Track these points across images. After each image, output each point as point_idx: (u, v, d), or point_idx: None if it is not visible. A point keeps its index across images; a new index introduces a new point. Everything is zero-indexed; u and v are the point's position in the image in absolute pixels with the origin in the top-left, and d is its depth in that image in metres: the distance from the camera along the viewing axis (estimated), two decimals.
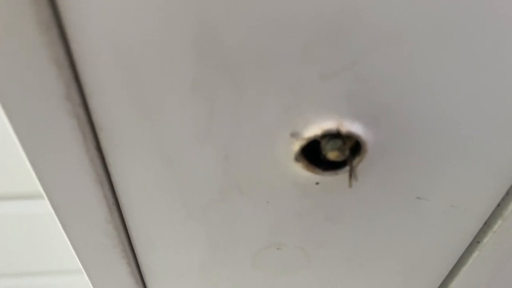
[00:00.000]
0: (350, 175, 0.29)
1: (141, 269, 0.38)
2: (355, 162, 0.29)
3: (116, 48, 0.23)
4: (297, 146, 0.28)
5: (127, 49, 0.23)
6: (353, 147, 0.28)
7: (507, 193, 0.34)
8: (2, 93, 0.23)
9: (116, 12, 0.21)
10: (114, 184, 0.30)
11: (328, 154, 0.27)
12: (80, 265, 0.36)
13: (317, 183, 0.31)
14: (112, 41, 0.22)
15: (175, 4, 0.21)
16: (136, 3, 0.21)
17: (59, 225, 0.32)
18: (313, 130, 0.27)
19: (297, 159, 0.29)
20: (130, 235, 0.34)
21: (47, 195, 0.29)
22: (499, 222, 0.36)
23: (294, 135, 0.27)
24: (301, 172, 0.30)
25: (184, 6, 0.21)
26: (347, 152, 0.27)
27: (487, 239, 0.37)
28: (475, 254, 0.39)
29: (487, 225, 0.37)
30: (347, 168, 0.29)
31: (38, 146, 0.26)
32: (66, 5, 0.21)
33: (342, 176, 0.30)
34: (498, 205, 0.35)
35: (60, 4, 0.21)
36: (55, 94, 0.24)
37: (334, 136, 0.27)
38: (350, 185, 0.30)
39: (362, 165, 0.30)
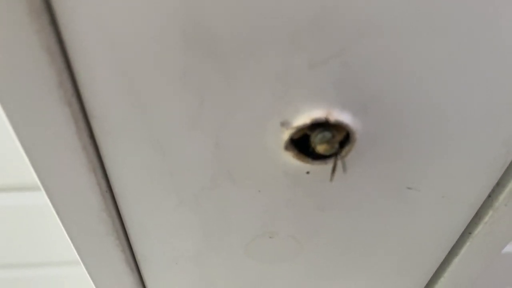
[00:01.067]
0: (334, 169, 0.30)
1: (136, 257, 0.39)
2: (344, 151, 0.29)
3: (107, 37, 0.23)
4: (287, 135, 0.28)
5: (118, 38, 0.23)
6: (342, 139, 0.28)
7: (498, 184, 0.34)
8: None
9: (107, 0, 0.22)
10: (107, 172, 0.30)
11: (317, 147, 0.28)
12: (77, 255, 0.37)
13: (307, 172, 0.31)
14: (103, 29, 0.23)
15: None
16: None
17: (55, 213, 0.33)
18: (303, 119, 0.27)
19: (287, 148, 0.29)
20: (124, 223, 0.35)
21: (42, 183, 0.30)
22: (490, 213, 0.36)
23: (284, 124, 0.28)
24: (292, 161, 0.30)
25: None
26: (336, 145, 0.28)
27: (478, 230, 0.38)
28: (467, 245, 0.39)
29: (478, 216, 0.37)
30: (337, 157, 0.29)
31: (31, 134, 0.27)
32: None
33: (332, 165, 0.31)
34: (489, 196, 0.35)
35: None
36: (47, 82, 0.24)
37: (323, 129, 0.27)
38: (332, 179, 0.31)
39: (352, 154, 0.30)
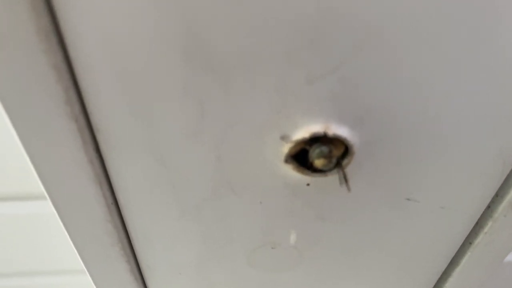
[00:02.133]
0: (345, 180, 0.30)
1: (140, 267, 0.40)
2: (343, 164, 0.30)
3: (112, 55, 0.24)
4: (286, 148, 0.29)
5: (122, 56, 0.24)
6: (341, 155, 0.29)
7: (497, 195, 0.34)
8: (5, 98, 0.25)
9: (111, 21, 0.23)
10: (113, 184, 0.31)
11: (315, 162, 0.28)
12: (82, 264, 0.38)
13: (307, 184, 0.32)
14: (108, 48, 0.24)
15: (165, 13, 0.23)
16: (129, 13, 0.22)
17: (61, 225, 0.33)
18: (301, 133, 0.28)
19: (287, 161, 0.30)
20: (129, 234, 0.36)
21: (49, 196, 0.31)
22: (490, 223, 0.36)
23: (283, 137, 0.29)
24: (292, 174, 0.31)
25: (173, 15, 0.23)
26: (333, 160, 0.28)
27: (478, 240, 0.38)
28: (468, 255, 0.39)
29: (479, 226, 0.37)
30: (336, 170, 0.30)
31: (39, 149, 0.28)
32: (64, 14, 0.23)
33: (331, 177, 0.31)
34: (488, 206, 0.35)
35: (58, 13, 0.23)
36: (55, 98, 0.25)
37: (321, 144, 0.28)
38: (349, 189, 0.31)
39: (351, 166, 0.31)
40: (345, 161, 0.30)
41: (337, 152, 0.29)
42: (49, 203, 0.32)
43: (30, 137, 0.27)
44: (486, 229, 0.37)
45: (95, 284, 0.39)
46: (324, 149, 0.28)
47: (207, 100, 0.26)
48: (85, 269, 0.38)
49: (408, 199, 0.34)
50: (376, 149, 0.30)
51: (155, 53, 0.24)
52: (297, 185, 0.32)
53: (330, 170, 0.29)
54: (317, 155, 0.28)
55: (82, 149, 0.28)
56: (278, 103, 0.27)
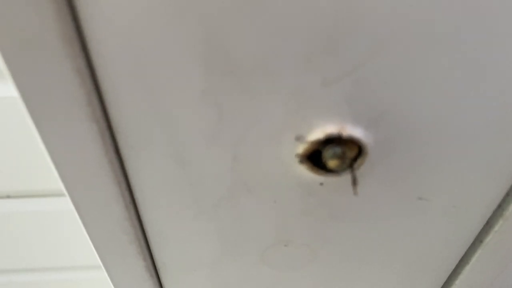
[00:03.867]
0: (354, 182, 0.31)
1: (156, 265, 0.40)
2: (356, 164, 0.30)
3: (132, 59, 0.25)
4: (301, 149, 0.29)
5: (142, 60, 0.25)
6: (355, 156, 0.29)
7: (507, 194, 0.35)
8: (29, 101, 0.26)
9: (132, 27, 0.23)
10: (131, 184, 0.32)
11: (328, 163, 0.29)
12: (99, 260, 0.39)
13: (321, 184, 0.32)
14: (129, 53, 0.24)
15: (184, 18, 0.23)
16: (149, 19, 0.23)
17: (79, 222, 0.34)
18: (316, 134, 0.29)
19: (301, 161, 0.30)
20: (145, 232, 0.36)
21: (69, 194, 0.32)
22: (500, 222, 0.36)
23: (299, 138, 0.29)
24: (306, 174, 0.31)
25: (193, 20, 0.23)
26: (347, 161, 0.29)
27: (489, 239, 0.38)
28: (478, 253, 0.40)
29: (489, 224, 0.37)
30: (353, 171, 0.31)
31: (61, 149, 0.28)
32: (87, 20, 0.23)
33: (344, 178, 0.32)
34: (499, 205, 0.36)
35: (82, 19, 0.23)
36: (78, 101, 0.26)
37: (335, 145, 0.29)
38: (355, 192, 0.32)
39: (364, 167, 0.31)
40: (358, 162, 0.30)
41: (350, 154, 0.29)
42: (63, 200, 0.32)
43: (52, 138, 0.28)
44: (496, 228, 0.37)
45: (112, 280, 0.40)
46: (338, 150, 0.28)
47: (226, 103, 0.27)
48: (102, 266, 0.39)
49: (420, 199, 0.34)
50: (389, 149, 0.30)
51: (175, 58, 0.25)
52: (310, 185, 0.32)
53: (343, 170, 0.30)
54: (331, 156, 0.28)
55: (103, 150, 0.29)
56: (294, 105, 0.27)
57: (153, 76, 0.25)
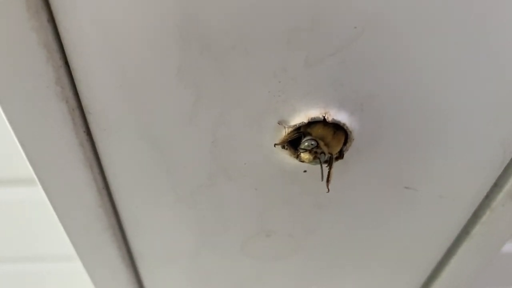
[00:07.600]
0: (328, 179, 0.29)
1: (132, 254, 0.39)
2: (332, 161, 0.29)
3: (104, 34, 0.23)
4: (284, 133, 0.28)
5: (114, 35, 0.23)
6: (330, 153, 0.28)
7: (495, 185, 0.34)
8: None
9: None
10: (104, 168, 0.30)
11: (301, 155, 0.27)
12: (73, 250, 0.37)
13: (304, 171, 0.31)
14: (100, 27, 0.23)
15: None
16: None
17: (51, 209, 0.33)
18: (300, 118, 0.27)
19: (283, 146, 0.29)
20: (120, 220, 0.35)
21: (39, 179, 0.30)
22: (488, 213, 0.36)
23: (281, 122, 0.28)
24: (289, 160, 0.30)
25: None
26: (319, 156, 0.27)
27: (476, 230, 0.38)
28: (465, 244, 0.39)
29: (476, 215, 0.37)
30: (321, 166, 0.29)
31: (29, 130, 0.27)
32: None
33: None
34: (486, 196, 0.35)
35: None
36: (45, 78, 0.24)
37: (310, 138, 0.27)
38: (328, 188, 0.30)
39: (349, 153, 0.30)
40: (344, 148, 0.29)
41: (330, 149, 0.28)
42: (36, 189, 0.31)
43: (19, 118, 0.26)
44: (483, 219, 0.36)
45: (86, 269, 0.39)
46: (312, 142, 0.27)
47: (203, 83, 0.25)
48: (76, 254, 0.37)
49: (407, 188, 0.33)
50: (375, 136, 0.29)
51: (149, 33, 0.23)
52: (294, 172, 0.31)
53: (315, 165, 0.28)
54: (304, 148, 0.27)
55: (73, 131, 0.27)
56: (276, 87, 0.26)
57: (126, 52, 0.24)
